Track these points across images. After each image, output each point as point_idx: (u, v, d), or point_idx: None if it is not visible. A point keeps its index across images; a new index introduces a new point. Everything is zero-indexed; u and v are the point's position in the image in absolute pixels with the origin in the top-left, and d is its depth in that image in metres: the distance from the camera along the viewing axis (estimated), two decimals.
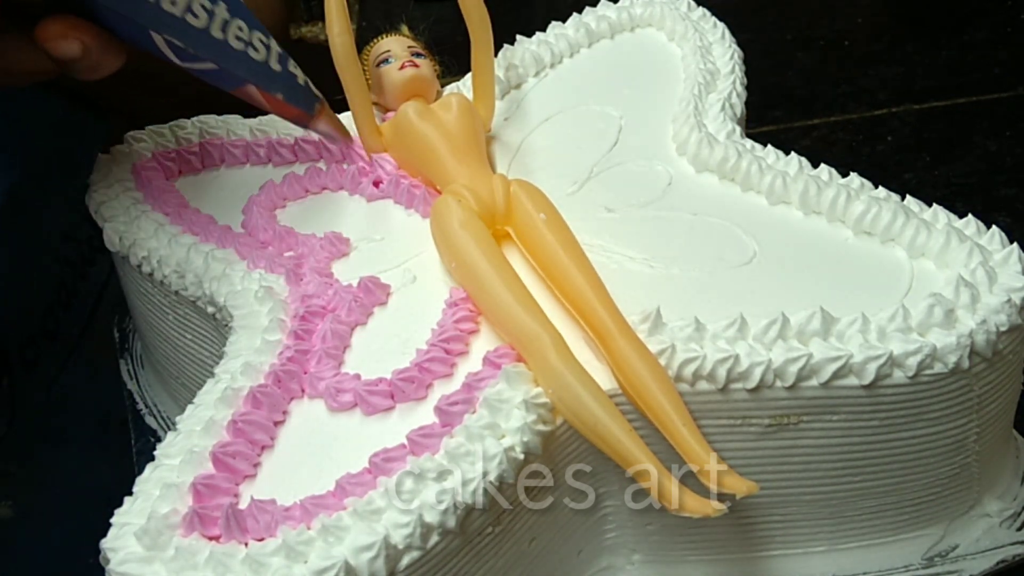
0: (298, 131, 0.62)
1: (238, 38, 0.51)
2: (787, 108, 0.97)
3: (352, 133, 0.59)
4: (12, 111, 0.61)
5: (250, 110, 0.61)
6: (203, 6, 0.50)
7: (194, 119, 0.62)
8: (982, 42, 1.01)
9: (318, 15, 1.29)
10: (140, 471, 0.43)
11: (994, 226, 0.49)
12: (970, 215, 0.50)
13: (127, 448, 0.65)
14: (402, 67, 0.58)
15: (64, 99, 0.64)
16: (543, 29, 0.67)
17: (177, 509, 0.41)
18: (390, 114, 0.59)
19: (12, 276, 0.64)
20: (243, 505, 0.41)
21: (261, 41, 0.52)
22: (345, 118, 0.61)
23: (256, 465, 0.43)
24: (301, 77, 0.55)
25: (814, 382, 0.43)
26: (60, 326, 0.66)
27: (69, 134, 0.66)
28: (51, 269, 0.66)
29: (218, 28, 0.50)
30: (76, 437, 0.67)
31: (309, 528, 0.39)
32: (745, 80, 0.61)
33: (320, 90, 0.56)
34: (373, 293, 0.50)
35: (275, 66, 0.53)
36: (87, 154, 0.63)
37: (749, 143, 0.56)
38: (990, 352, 0.44)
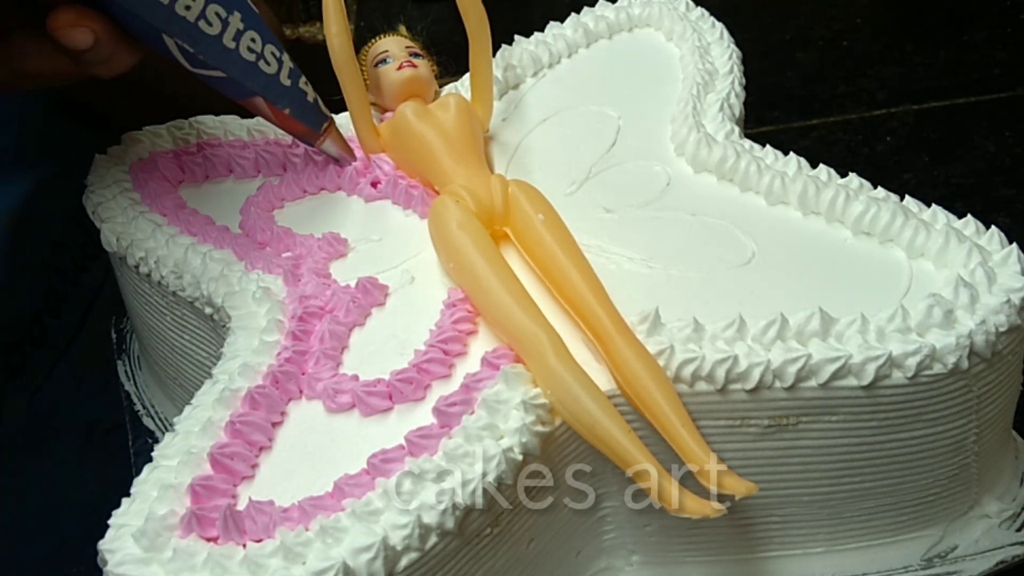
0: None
1: (250, 49, 0.52)
2: (786, 108, 0.97)
3: (348, 133, 0.59)
4: None
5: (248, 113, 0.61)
6: (217, 14, 0.50)
7: (191, 119, 0.62)
8: (981, 42, 1.01)
9: (316, 15, 1.29)
10: (138, 472, 0.43)
11: (993, 226, 0.49)
12: (969, 215, 0.50)
13: (112, 457, 0.64)
14: (400, 67, 0.58)
15: (54, 110, 0.64)
16: (541, 29, 0.67)
17: (175, 510, 0.41)
18: (388, 114, 0.59)
19: None
20: (241, 506, 0.41)
21: (273, 55, 0.53)
22: (343, 118, 0.61)
23: (254, 466, 0.43)
24: (311, 95, 0.55)
25: (813, 383, 0.43)
26: (48, 333, 0.65)
27: (57, 143, 0.66)
28: (40, 276, 0.65)
29: (230, 38, 0.51)
30: (60, 445, 0.67)
31: (307, 529, 0.39)
32: (744, 80, 0.61)
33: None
34: (371, 294, 0.50)
35: (285, 81, 0.54)
36: (77, 162, 0.63)
37: (748, 143, 0.56)
38: (989, 353, 0.44)
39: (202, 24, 0.50)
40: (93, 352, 0.68)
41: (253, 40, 0.52)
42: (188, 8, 0.49)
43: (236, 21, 0.51)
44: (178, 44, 0.50)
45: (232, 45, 0.51)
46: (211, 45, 0.51)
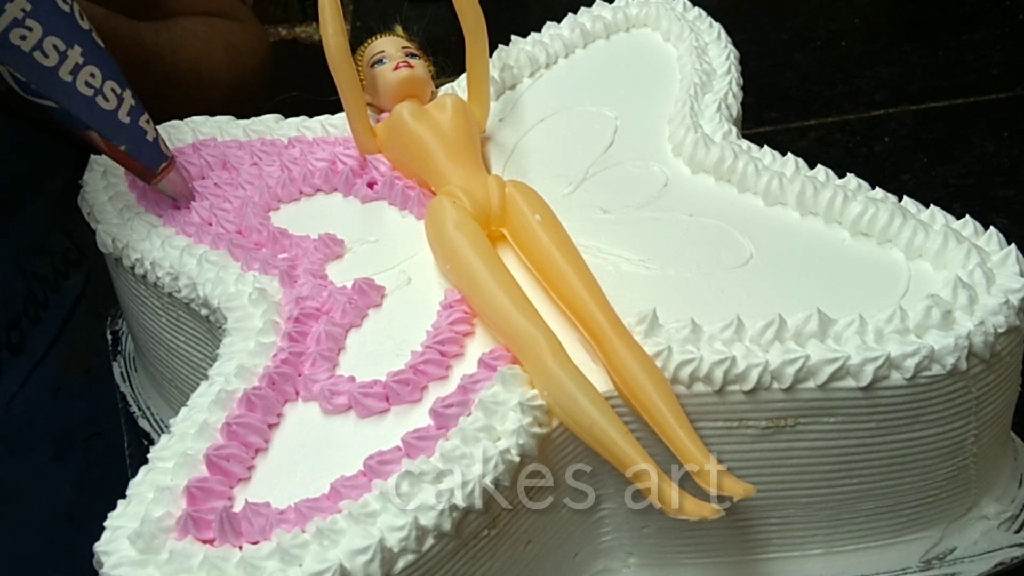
0: (293, 132, 0.62)
1: (88, 84, 0.52)
2: (784, 109, 0.97)
3: (346, 134, 0.59)
4: None
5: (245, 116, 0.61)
6: (55, 47, 0.50)
7: (186, 120, 0.62)
8: (980, 43, 1.02)
9: (312, 15, 1.29)
10: (133, 474, 0.43)
11: (992, 227, 0.49)
12: (968, 216, 0.50)
13: (91, 465, 0.64)
14: (396, 68, 0.58)
15: (26, 124, 0.63)
16: (538, 29, 0.67)
17: (171, 512, 0.41)
18: (384, 115, 0.59)
19: None
20: (237, 508, 0.41)
21: (114, 91, 0.53)
22: (340, 119, 0.61)
23: (250, 468, 0.43)
24: (151, 134, 0.55)
25: (811, 384, 0.43)
26: (26, 340, 0.65)
27: (31, 153, 0.65)
28: (19, 283, 0.65)
29: (67, 71, 0.51)
30: (36, 452, 0.66)
31: (304, 531, 0.39)
32: (741, 81, 0.61)
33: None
34: (367, 295, 0.50)
35: (123, 118, 0.53)
36: (60, 169, 0.62)
37: (745, 144, 0.55)
38: (988, 354, 0.44)
39: (37, 55, 0.50)
40: (73, 359, 0.67)
41: (92, 75, 0.52)
42: (23, 38, 0.49)
43: (76, 55, 0.51)
44: (10, 71, 0.50)
45: (68, 78, 0.51)
46: (45, 76, 0.51)
